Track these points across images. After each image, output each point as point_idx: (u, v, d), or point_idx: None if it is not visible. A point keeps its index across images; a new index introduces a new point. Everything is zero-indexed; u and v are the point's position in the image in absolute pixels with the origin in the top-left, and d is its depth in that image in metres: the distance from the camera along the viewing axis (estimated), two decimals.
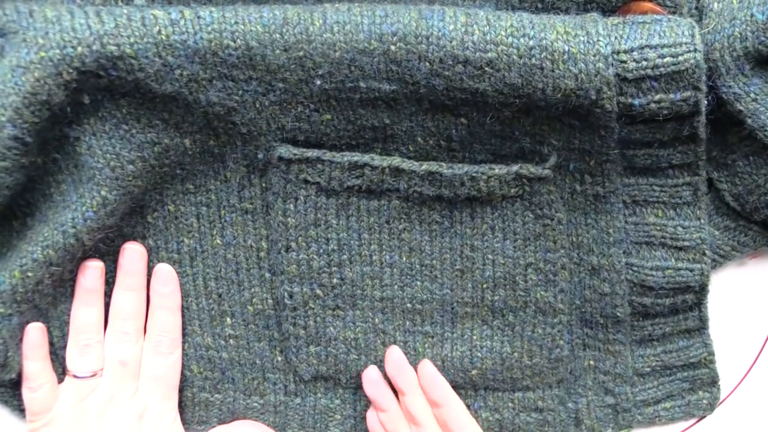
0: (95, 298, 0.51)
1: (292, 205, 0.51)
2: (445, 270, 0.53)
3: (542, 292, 0.53)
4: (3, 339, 0.48)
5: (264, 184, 0.51)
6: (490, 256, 0.53)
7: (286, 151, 0.49)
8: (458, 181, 0.50)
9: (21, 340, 0.49)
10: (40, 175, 0.48)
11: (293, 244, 0.52)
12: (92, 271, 0.51)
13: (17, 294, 0.47)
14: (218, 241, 0.52)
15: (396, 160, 0.50)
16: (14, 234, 0.49)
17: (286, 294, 0.53)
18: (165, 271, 0.52)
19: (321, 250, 0.52)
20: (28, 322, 0.50)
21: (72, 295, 0.51)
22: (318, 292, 0.53)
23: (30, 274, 0.47)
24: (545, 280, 0.53)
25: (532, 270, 0.53)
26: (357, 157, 0.50)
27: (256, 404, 0.55)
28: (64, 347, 0.51)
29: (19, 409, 0.52)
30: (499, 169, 0.50)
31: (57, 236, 0.47)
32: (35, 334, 0.50)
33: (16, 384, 0.51)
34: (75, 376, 0.51)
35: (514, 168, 0.50)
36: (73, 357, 0.51)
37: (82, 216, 0.47)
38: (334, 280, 0.53)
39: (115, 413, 0.51)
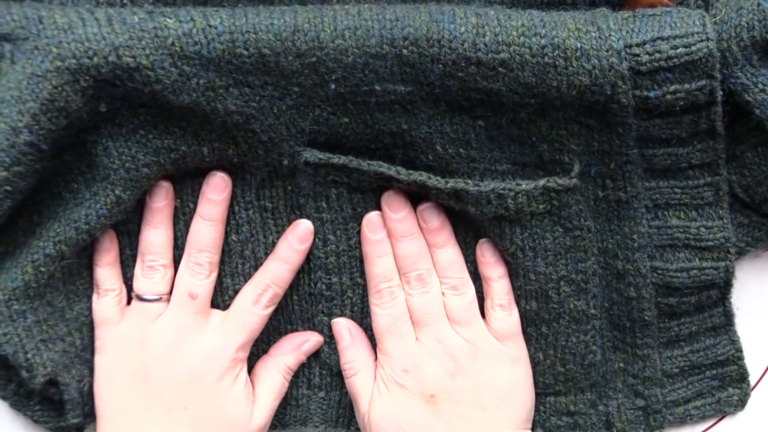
0: (161, 218, 0.50)
1: (324, 203, 0.50)
2: None
3: (575, 302, 0.51)
4: (19, 337, 0.47)
5: (289, 187, 0.51)
6: (520, 271, 0.51)
7: (311, 155, 0.49)
8: (485, 198, 0.49)
9: (41, 342, 0.48)
10: (48, 175, 0.48)
11: (331, 237, 0.51)
12: (160, 189, 0.49)
13: (30, 290, 0.47)
14: (233, 238, 0.51)
15: (422, 176, 0.49)
16: (20, 232, 0.49)
17: (323, 285, 0.52)
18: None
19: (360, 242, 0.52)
20: (43, 321, 0.48)
21: (85, 293, 0.51)
22: (359, 280, 0.52)
23: (42, 269, 0.47)
24: (578, 290, 0.51)
25: (565, 283, 0.51)
26: (383, 168, 0.49)
27: None
28: (85, 349, 0.50)
29: (33, 419, 0.51)
30: (526, 185, 0.49)
31: (70, 232, 0.47)
32: (105, 240, 0.50)
33: (30, 393, 0.50)
34: (139, 297, 0.49)
35: (541, 182, 0.49)
36: (138, 278, 0.50)
37: (96, 213, 0.47)
38: None
39: (181, 347, 0.49)
